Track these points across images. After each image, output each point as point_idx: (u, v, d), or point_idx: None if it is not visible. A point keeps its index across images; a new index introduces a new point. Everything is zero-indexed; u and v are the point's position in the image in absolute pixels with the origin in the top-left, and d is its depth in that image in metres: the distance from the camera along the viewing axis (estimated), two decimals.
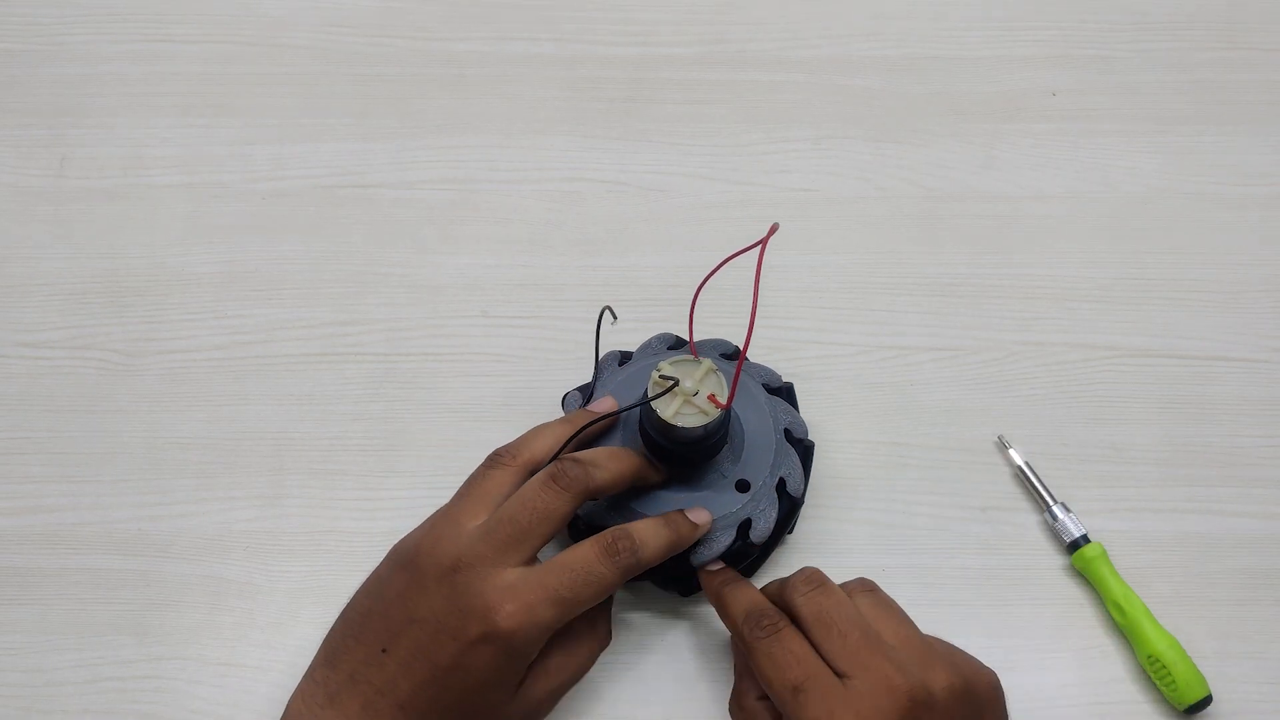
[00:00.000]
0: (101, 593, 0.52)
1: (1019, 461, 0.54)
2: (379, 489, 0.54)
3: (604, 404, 0.49)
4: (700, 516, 0.46)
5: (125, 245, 0.61)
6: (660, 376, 0.44)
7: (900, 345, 0.58)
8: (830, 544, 0.53)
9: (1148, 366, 0.58)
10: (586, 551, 0.43)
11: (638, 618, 0.52)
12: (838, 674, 0.41)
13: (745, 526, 0.47)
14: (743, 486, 0.48)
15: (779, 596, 0.45)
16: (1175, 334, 0.58)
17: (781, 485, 0.48)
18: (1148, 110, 0.65)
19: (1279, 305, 0.59)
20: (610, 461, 0.45)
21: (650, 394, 0.44)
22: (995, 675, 0.44)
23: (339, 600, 0.52)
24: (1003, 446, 0.55)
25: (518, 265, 0.60)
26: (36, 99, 0.65)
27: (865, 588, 0.45)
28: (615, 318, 0.50)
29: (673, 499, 0.47)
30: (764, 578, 0.52)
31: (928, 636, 0.44)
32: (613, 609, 0.49)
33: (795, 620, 0.43)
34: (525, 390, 0.56)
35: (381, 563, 0.46)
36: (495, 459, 0.46)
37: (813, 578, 0.44)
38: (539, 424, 0.47)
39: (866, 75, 0.66)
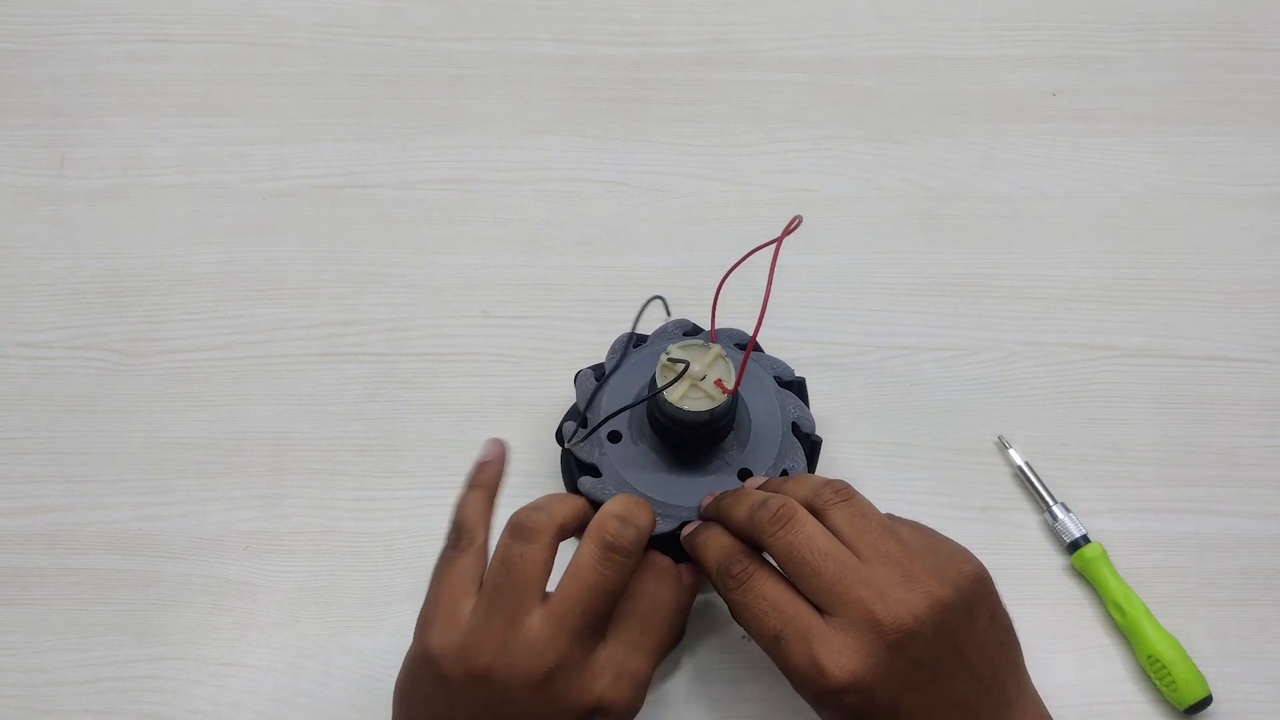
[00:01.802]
0: (101, 593, 0.52)
1: (1019, 461, 0.54)
2: (379, 489, 0.54)
3: (493, 448, 0.46)
4: (691, 572, 0.46)
5: (125, 245, 0.61)
6: (669, 360, 0.44)
7: (900, 345, 0.58)
8: None
9: (1148, 366, 0.58)
10: (652, 587, 0.43)
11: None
12: (819, 609, 0.40)
13: (784, 475, 0.48)
14: (745, 475, 0.48)
15: (751, 531, 0.42)
16: (1175, 334, 0.58)
17: (795, 429, 0.49)
18: (1148, 110, 0.65)
19: (1279, 305, 0.59)
20: (643, 510, 0.43)
21: (659, 377, 0.44)
22: (981, 566, 0.42)
23: (339, 600, 0.52)
24: (1003, 446, 0.55)
25: (518, 265, 0.60)
26: (36, 99, 0.65)
27: (839, 496, 0.42)
28: (669, 313, 0.50)
29: (678, 483, 0.48)
30: None
31: (907, 538, 0.42)
32: None
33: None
34: (525, 390, 0.56)
35: (419, 668, 0.41)
36: (524, 532, 0.41)
37: (780, 514, 0.41)
38: (547, 494, 0.45)
39: (866, 75, 0.66)
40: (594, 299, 0.59)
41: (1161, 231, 0.62)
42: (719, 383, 0.45)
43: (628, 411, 0.49)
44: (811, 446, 0.50)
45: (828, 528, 0.41)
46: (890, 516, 0.44)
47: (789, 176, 0.63)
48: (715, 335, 0.48)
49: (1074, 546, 0.52)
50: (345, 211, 0.62)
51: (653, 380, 0.45)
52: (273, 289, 0.59)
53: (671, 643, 0.44)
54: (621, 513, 0.41)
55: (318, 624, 0.51)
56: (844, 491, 0.43)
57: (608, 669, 0.41)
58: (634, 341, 0.52)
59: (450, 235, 0.61)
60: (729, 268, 0.46)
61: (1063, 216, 0.62)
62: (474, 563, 0.42)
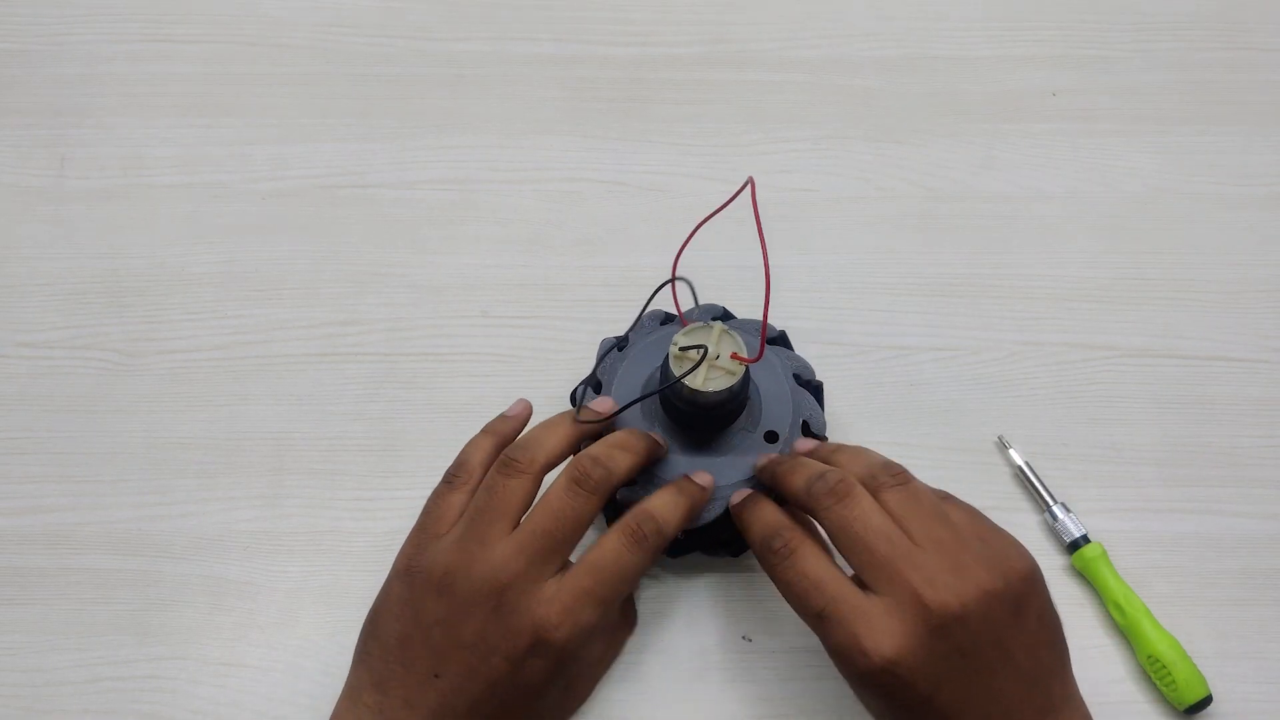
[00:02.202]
0: (101, 593, 0.52)
1: (1019, 461, 0.54)
2: (379, 489, 0.54)
3: (603, 404, 0.49)
4: (704, 479, 0.46)
5: (125, 245, 0.61)
6: (680, 349, 0.44)
7: (900, 345, 0.58)
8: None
9: (1148, 366, 0.58)
10: (614, 544, 0.43)
11: (639, 616, 0.52)
12: (864, 587, 0.40)
13: None
14: (771, 437, 0.48)
15: (806, 502, 0.43)
16: (1175, 334, 0.58)
17: (805, 428, 0.49)
18: (1148, 110, 0.65)
19: (1279, 305, 0.59)
20: (624, 454, 0.45)
21: (675, 368, 0.45)
22: (1034, 564, 0.42)
23: (339, 600, 0.52)
24: (1003, 446, 0.55)
25: (518, 265, 0.60)
26: (36, 99, 0.65)
27: (896, 480, 0.43)
28: (696, 299, 0.50)
29: (696, 465, 0.48)
30: None
31: (962, 527, 0.42)
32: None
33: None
34: (525, 390, 0.56)
35: (397, 582, 0.45)
36: (510, 466, 0.45)
37: (837, 488, 0.42)
38: (543, 422, 0.48)
39: (866, 75, 0.66)
40: (594, 299, 0.59)
41: (1161, 231, 0.62)
42: (735, 355, 0.45)
43: (639, 404, 0.49)
44: (816, 390, 0.51)
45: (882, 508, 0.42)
46: (945, 496, 0.44)
47: (789, 176, 0.63)
48: (681, 312, 0.49)
49: (1074, 546, 0.52)
50: (345, 211, 0.62)
51: (666, 369, 0.45)
52: (273, 289, 0.59)
53: (616, 599, 0.44)
54: (599, 454, 0.44)
55: (318, 624, 0.51)
56: (901, 475, 0.43)
57: (554, 601, 0.42)
58: (662, 320, 0.53)
59: (450, 235, 0.61)
60: (680, 245, 0.47)
61: (1063, 216, 0.62)
62: (463, 500, 0.45)
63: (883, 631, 0.39)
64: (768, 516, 0.44)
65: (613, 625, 0.48)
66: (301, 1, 0.68)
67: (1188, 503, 0.54)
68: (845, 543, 0.41)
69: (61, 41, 0.67)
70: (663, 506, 0.44)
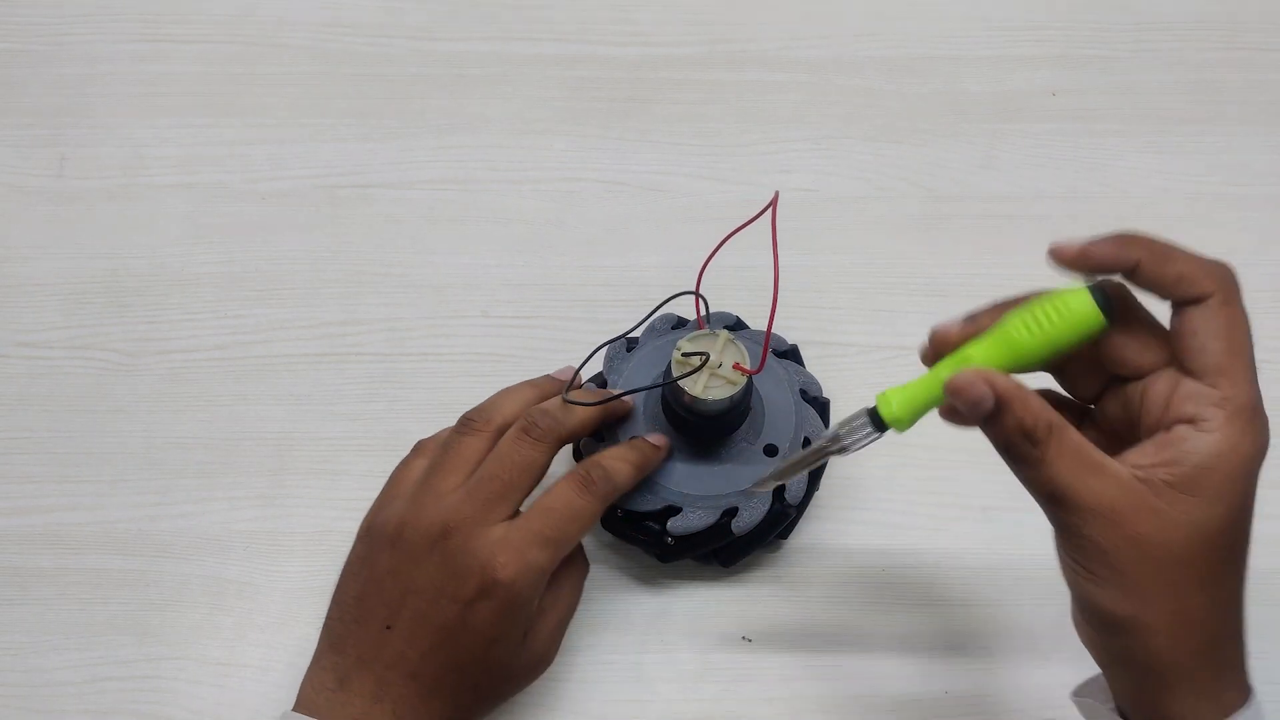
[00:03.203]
0: (101, 593, 0.52)
1: None
2: (379, 489, 0.54)
3: (566, 372, 0.50)
4: (657, 439, 0.47)
5: (125, 245, 0.61)
6: (683, 355, 0.44)
7: (900, 345, 0.58)
8: (830, 544, 0.53)
9: None
10: (564, 489, 0.44)
11: (639, 616, 0.52)
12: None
13: (780, 490, 0.48)
14: (771, 451, 0.48)
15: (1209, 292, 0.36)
16: None
17: (806, 444, 0.49)
18: (1148, 110, 0.65)
19: (1279, 305, 0.59)
20: (576, 407, 0.46)
21: (676, 373, 0.45)
22: None
23: None
24: None
25: (518, 265, 0.60)
26: (36, 99, 0.65)
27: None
28: (708, 312, 0.49)
29: (699, 473, 0.48)
30: (799, 537, 0.53)
31: None
32: (607, 592, 0.50)
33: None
34: None
35: (358, 543, 0.46)
36: (467, 425, 0.46)
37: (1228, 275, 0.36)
38: (504, 388, 0.49)
39: (866, 75, 0.66)
40: (594, 299, 0.59)
41: (1161, 231, 0.61)
42: (737, 365, 0.45)
43: (643, 415, 0.49)
44: (822, 408, 0.51)
45: None
46: None
47: (789, 176, 0.63)
48: (704, 323, 0.48)
49: None
50: (345, 211, 0.62)
51: (668, 373, 0.45)
52: (273, 289, 0.59)
53: (565, 541, 0.44)
54: (548, 406, 0.46)
55: (318, 624, 0.51)
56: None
57: (505, 542, 0.42)
58: (674, 324, 0.53)
59: (450, 235, 0.61)
60: (707, 256, 0.46)
61: (1063, 216, 0.62)
62: (471, 441, 0.46)
63: (1255, 431, 0.35)
64: (1027, 410, 0.36)
65: (560, 572, 0.46)
66: (301, 1, 0.68)
67: None
68: (1236, 344, 0.36)
69: (61, 41, 0.67)
70: (613, 457, 0.46)
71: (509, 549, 0.42)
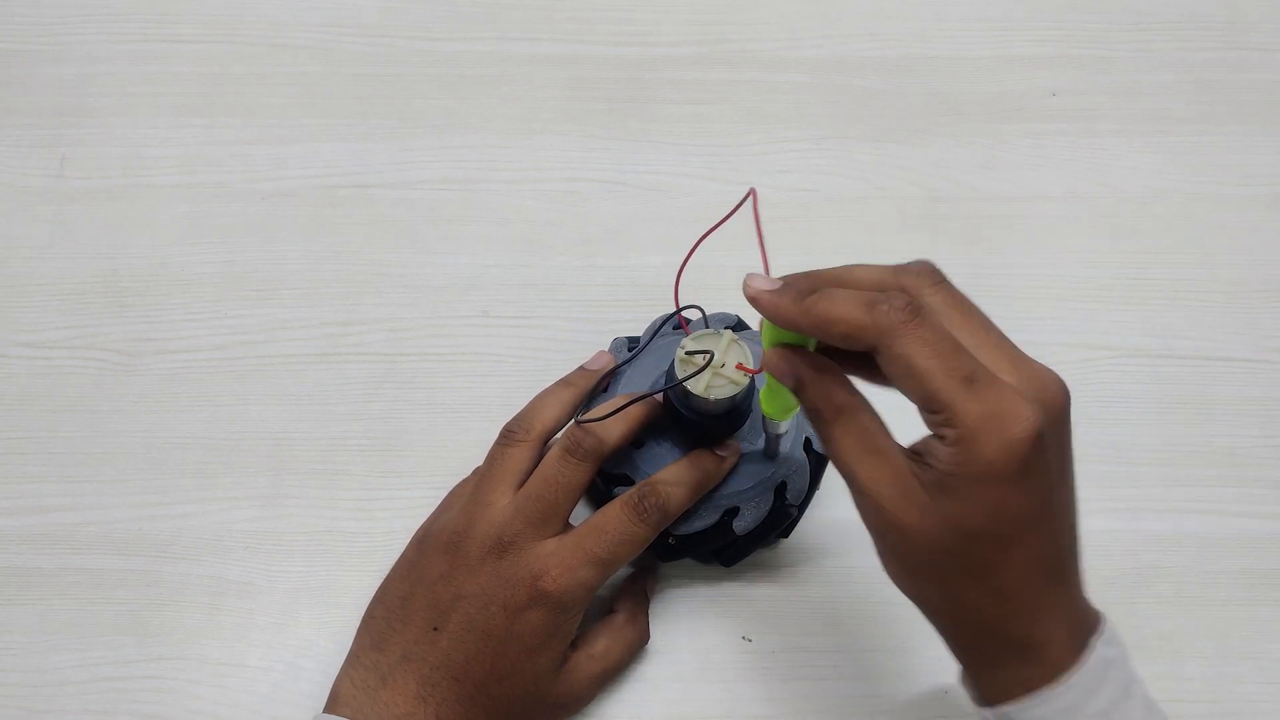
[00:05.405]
0: (101, 593, 0.52)
1: None
2: (379, 489, 0.54)
3: (600, 360, 0.51)
4: (728, 448, 0.47)
5: (125, 245, 0.61)
6: (687, 354, 0.44)
7: None
8: (830, 544, 0.53)
9: (1148, 366, 0.58)
10: (617, 512, 0.45)
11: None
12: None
13: (781, 489, 0.48)
14: (771, 451, 0.48)
15: (873, 335, 0.35)
16: (1175, 334, 0.58)
17: (808, 444, 0.49)
18: (1148, 110, 0.65)
19: (1279, 305, 0.59)
20: (617, 422, 0.46)
21: (680, 372, 0.45)
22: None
23: (339, 600, 0.52)
24: None
25: (518, 265, 0.60)
26: (36, 99, 0.65)
27: (933, 280, 0.37)
28: (704, 315, 0.49)
29: None
30: (799, 537, 0.53)
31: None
32: (607, 591, 0.49)
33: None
34: (525, 390, 0.56)
35: (410, 548, 0.48)
36: (509, 436, 0.47)
37: (907, 309, 0.35)
38: (541, 392, 0.49)
39: (866, 75, 0.66)
40: (594, 299, 0.59)
41: (1161, 231, 0.62)
42: (740, 365, 0.45)
43: (649, 420, 0.49)
44: (818, 460, 0.50)
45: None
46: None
47: (789, 176, 0.63)
48: (686, 325, 0.49)
49: None
50: (345, 211, 0.62)
51: (671, 373, 0.45)
52: (273, 289, 0.59)
53: (614, 561, 0.44)
54: (592, 426, 0.46)
55: (318, 624, 0.51)
56: (931, 271, 0.38)
57: (554, 556, 0.44)
58: (675, 324, 0.52)
59: (450, 235, 0.61)
60: (684, 258, 0.46)
61: (1063, 216, 0.62)
62: (516, 453, 0.47)
63: (1027, 411, 0.34)
64: (858, 291, 0.36)
65: (621, 627, 0.48)
66: (301, 1, 0.68)
67: (1188, 503, 0.54)
68: (930, 372, 0.34)
69: (61, 41, 0.67)
70: (668, 480, 0.46)
71: (560, 563, 0.44)
